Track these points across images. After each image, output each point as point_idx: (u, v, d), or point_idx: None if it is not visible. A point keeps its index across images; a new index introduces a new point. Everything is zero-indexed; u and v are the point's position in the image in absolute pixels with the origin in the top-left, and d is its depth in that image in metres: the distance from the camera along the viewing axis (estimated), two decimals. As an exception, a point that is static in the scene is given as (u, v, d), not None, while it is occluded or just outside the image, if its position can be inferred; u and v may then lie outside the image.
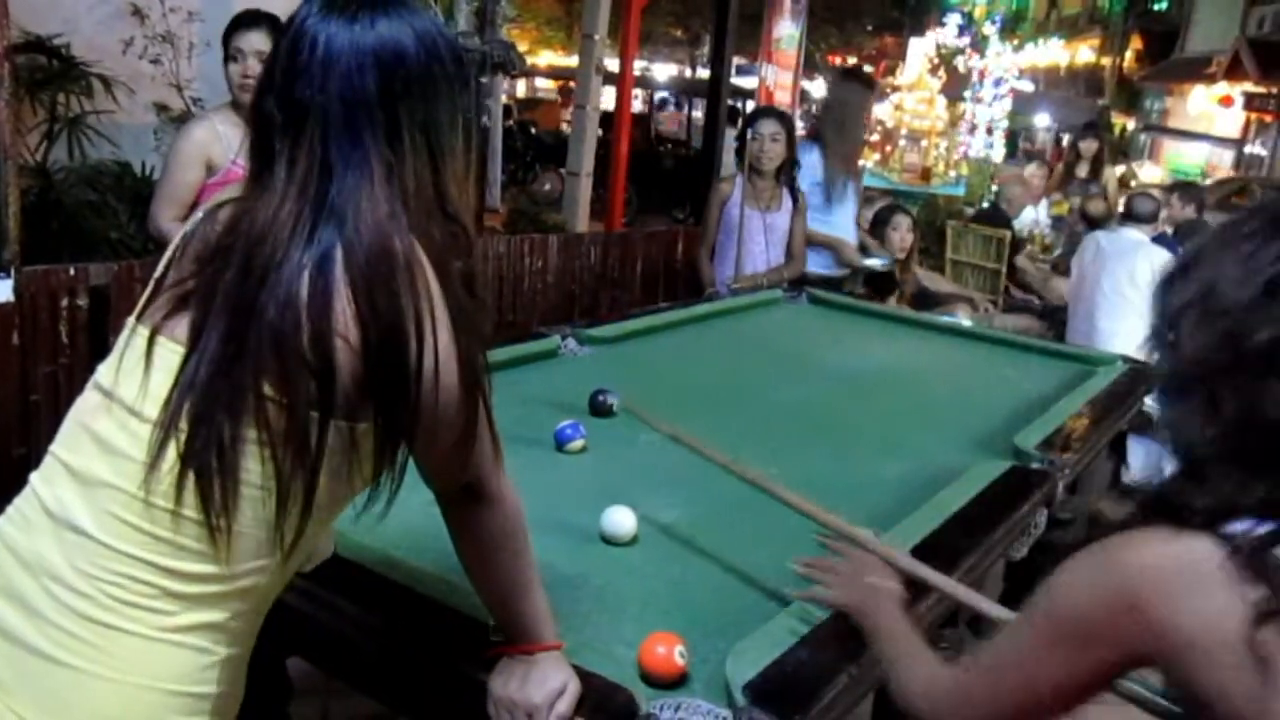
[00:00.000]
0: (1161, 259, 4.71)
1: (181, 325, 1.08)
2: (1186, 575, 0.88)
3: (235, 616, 1.12)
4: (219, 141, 2.99)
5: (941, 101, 8.88)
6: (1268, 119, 14.31)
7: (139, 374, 1.09)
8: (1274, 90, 12.82)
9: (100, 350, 1.17)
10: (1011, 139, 11.15)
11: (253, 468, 1.05)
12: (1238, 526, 0.86)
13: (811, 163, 4.52)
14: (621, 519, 1.81)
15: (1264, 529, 0.85)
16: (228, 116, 3.04)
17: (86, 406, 1.13)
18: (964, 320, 4.75)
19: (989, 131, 9.71)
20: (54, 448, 1.13)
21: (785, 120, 4.45)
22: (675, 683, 1.36)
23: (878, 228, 5.00)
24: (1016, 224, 6.25)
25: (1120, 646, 0.93)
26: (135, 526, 1.06)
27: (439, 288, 1.09)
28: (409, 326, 1.05)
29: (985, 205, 6.72)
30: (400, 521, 1.60)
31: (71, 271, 3.16)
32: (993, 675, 1.07)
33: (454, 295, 1.11)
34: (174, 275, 1.13)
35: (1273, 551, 0.85)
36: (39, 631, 1.05)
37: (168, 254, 1.18)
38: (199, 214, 1.19)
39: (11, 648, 1.05)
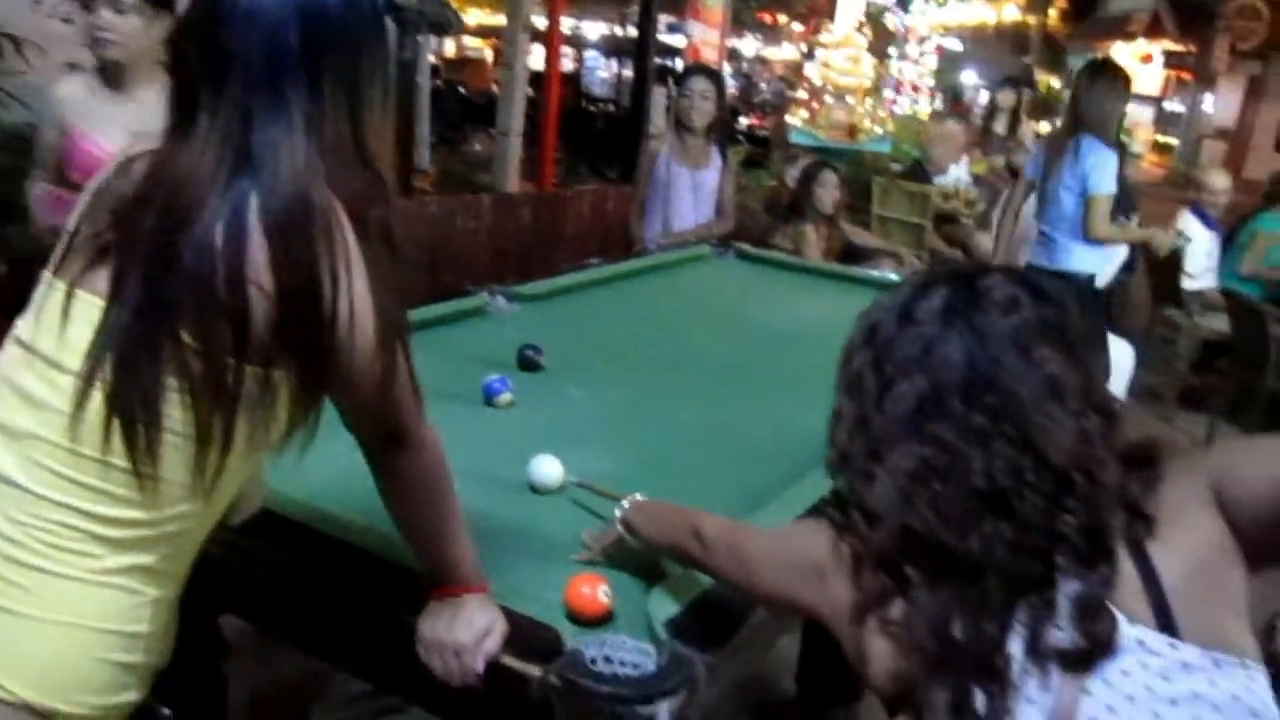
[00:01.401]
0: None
1: (101, 278, 1.09)
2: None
3: (163, 559, 1.14)
4: (71, 103, 2.69)
5: (869, 59, 8.94)
6: (1186, 77, 14.62)
7: (57, 328, 1.10)
8: (1192, 48, 13.09)
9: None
10: (941, 97, 11.26)
11: (175, 414, 1.07)
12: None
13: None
14: (548, 468, 1.85)
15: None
16: (83, 78, 2.73)
17: (7, 361, 1.14)
18: (890, 274, 4.83)
19: (915, 89, 9.82)
20: None
21: (716, 78, 4.47)
22: (600, 621, 1.40)
23: (805, 184, 5.04)
24: (942, 180, 6.34)
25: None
26: (63, 475, 1.07)
27: (355, 237, 1.11)
28: (323, 274, 1.07)
29: (911, 163, 6.80)
30: (326, 473, 1.63)
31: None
32: (743, 556, 1.31)
33: (371, 244, 1.13)
34: (88, 229, 1.13)
35: None
36: None
37: (79, 208, 1.18)
38: (108, 167, 1.19)
39: None
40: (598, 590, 1.41)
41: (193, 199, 1.07)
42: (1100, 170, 4.12)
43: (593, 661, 1.28)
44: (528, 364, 2.44)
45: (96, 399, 1.06)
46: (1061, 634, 0.97)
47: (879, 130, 8.12)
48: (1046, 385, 1.03)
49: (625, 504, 1.56)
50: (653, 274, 3.68)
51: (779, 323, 3.26)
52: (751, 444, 2.19)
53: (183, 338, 1.06)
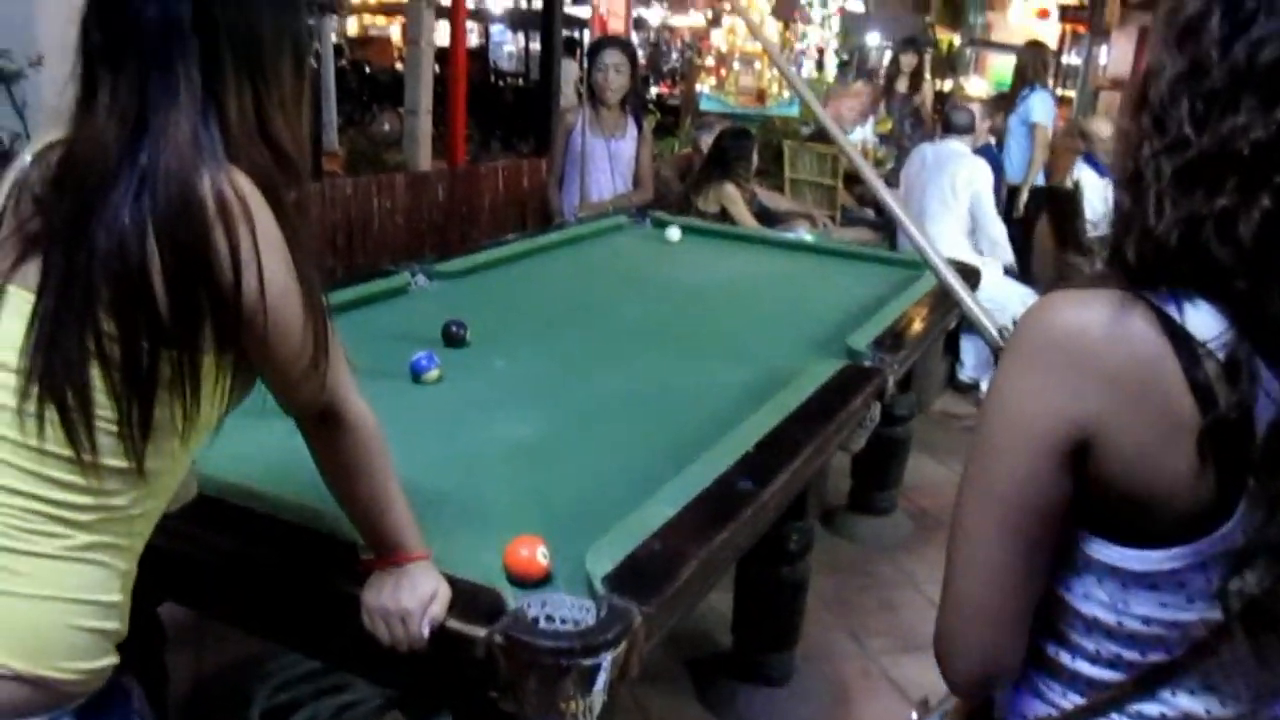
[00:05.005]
0: (978, 168, 4.97)
1: (31, 271, 1.09)
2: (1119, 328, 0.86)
3: (127, 537, 1.17)
4: None
5: (773, 24, 9.01)
6: (1081, 30, 14.97)
7: None
8: (1085, 2, 13.40)
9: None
10: (847, 58, 11.39)
11: (104, 401, 1.08)
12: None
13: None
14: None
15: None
16: None
17: None
18: (804, 235, 4.92)
19: (820, 52, 9.92)
20: None
21: (628, 49, 4.49)
22: (540, 581, 1.44)
23: (731, 147, 5.04)
24: (849, 140, 6.45)
25: (1067, 414, 0.88)
26: (14, 465, 1.08)
27: (268, 214, 1.10)
28: (217, 253, 1.07)
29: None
30: (261, 454, 1.65)
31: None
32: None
33: (286, 221, 1.13)
34: (12, 221, 1.13)
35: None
36: None
37: None
38: (26, 156, 1.18)
39: None
40: (536, 551, 1.45)
41: (100, 180, 1.06)
42: None
43: (535, 620, 1.33)
44: (452, 339, 2.46)
45: (35, 392, 1.07)
46: None
47: (786, 94, 8.20)
48: None
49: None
50: (571, 245, 3.71)
51: (698, 285, 3.33)
52: (674, 402, 2.25)
53: (101, 323, 1.06)
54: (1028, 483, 0.90)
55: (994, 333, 1.80)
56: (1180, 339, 0.84)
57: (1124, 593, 0.91)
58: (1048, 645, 1.00)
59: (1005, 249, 5.00)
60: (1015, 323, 0.95)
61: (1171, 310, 0.85)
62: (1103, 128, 6.03)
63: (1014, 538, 0.93)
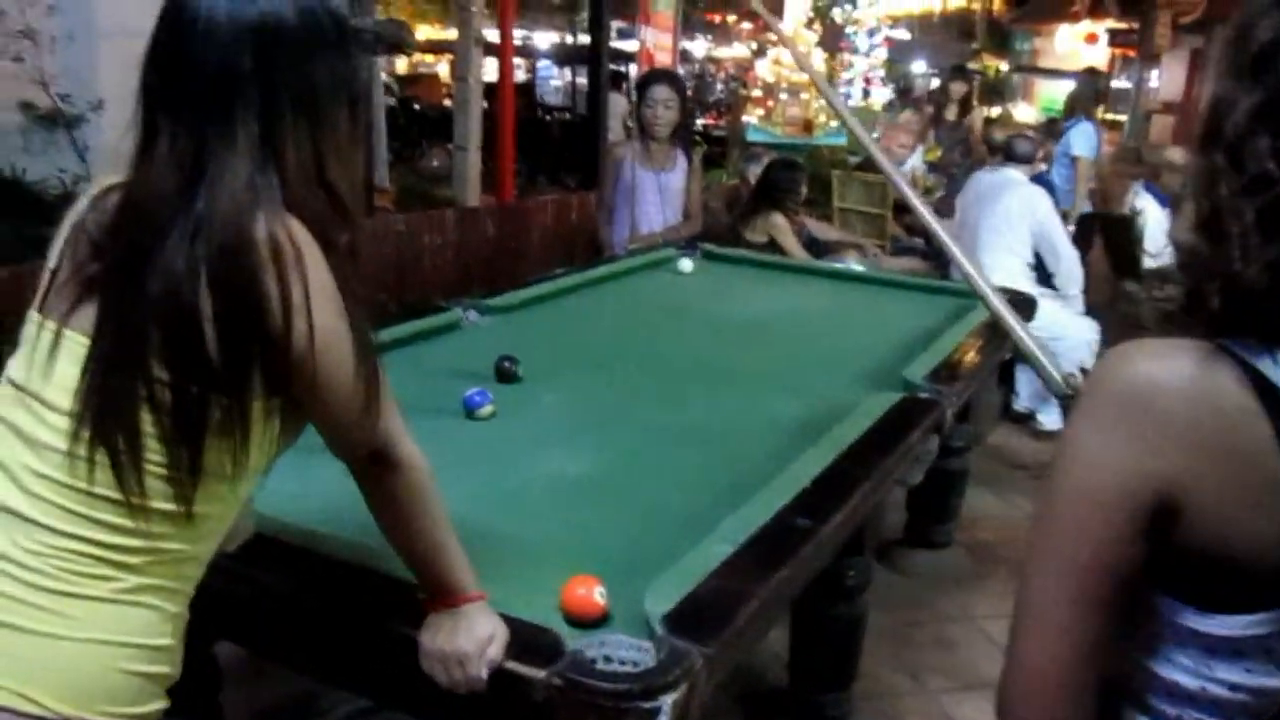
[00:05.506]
0: (1036, 196, 4.91)
1: (87, 315, 1.10)
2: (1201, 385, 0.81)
3: (176, 579, 1.17)
4: None
5: (820, 54, 9.03)
6: (1130, 54, 14.82)
7: (48, 368, 1.11)
8: (1134, 25, 13.27)
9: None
10: (894, 87, 11.37)
11: (154, 445, 1.09)
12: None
13: None
14: None
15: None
16: None
17: (1, 400, 1.15)
18: (854, 265, 4.89)
19: (867, 81, 9.91)
20: None
21: (677, 83, 4.50)
22: (597, 622, 1.42)
23: (780, 178, 5.02)
24: (900, 170, 6.41)
25: (1145, 474, 0.83)
26: (64, 508, 1.09)
27: (321, 260, 1.11)
28: (268, 298, 1.07)
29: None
30: (318, 495, 1.64)
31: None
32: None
33: (340, 267, 1.13)
34: (70, 264, 1.15)
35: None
36: None
37: (57, 244, 1.19)
38: (83, 201, 1.20)
39: None
40: (593, 591, 1.43)
41: (155, 227, 1.07)
42: None
43: (593, 661, 1.31)
44: (505, 375, 2.46)
45: (87, 435, 1.08)
46: None
47: (834, 124, 8.19)
48: None
49: None
50: (622, 278, 3.71)
51: (749, 318, 3.31)
52: (727, 436, 2.23)
53: (154, 369, 1.07)
54: (1100, 545, 0.85)
55: (1047, 365, 1.75)
56: (1270, 394, 0.79)
57: (1207, 658, 0.87)
58: (1127, 710, 0.95)
59: (1078, 278, 4.90)
60: (1082, 370, 0.90)
61: (1262, 364, 0.80)
62: (1175, 155, 5.92)
63: (1083, 602, 0.87)
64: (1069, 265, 4.88)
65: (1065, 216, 5.92)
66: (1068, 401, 1.57)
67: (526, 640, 1.35)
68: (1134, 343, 0.86)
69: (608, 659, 1.31)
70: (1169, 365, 0.83)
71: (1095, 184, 6.04)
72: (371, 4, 6.31)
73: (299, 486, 1.56)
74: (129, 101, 1.15)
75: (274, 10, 1.13)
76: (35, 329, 1.15)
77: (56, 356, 1.11)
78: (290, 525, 1.61)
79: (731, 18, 15.91)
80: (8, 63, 4.79)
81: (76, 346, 1.10)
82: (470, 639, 1.31)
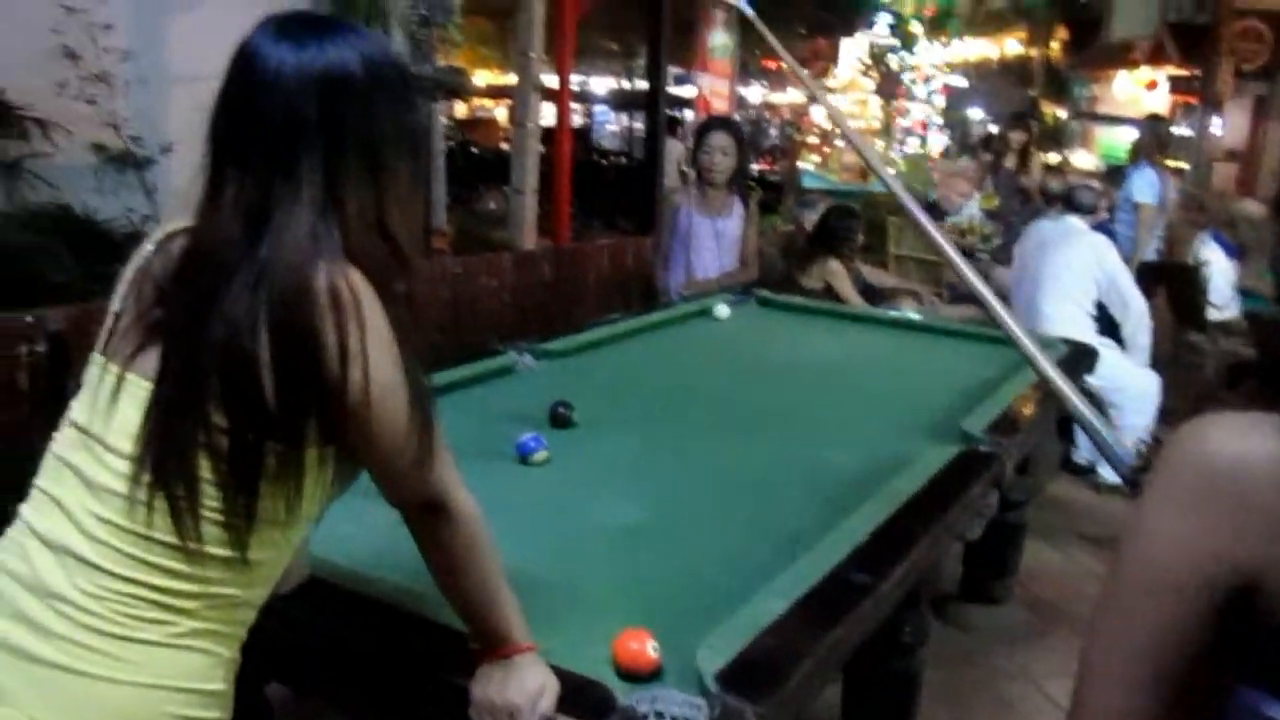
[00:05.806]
0: (1100, 246, 4.83)
1: (150, 359, 1.12)
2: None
3: (231, 624, 1.18)
4: None
5: (876, 101, 9.04)
6: (1191, 100, 14.65)
7: (110, 411, 1.12)
8: (1196, 72, 13.13)
9: (60, 394, 1.21)
10: (950, 134, 11.33)
11: (211, 491, 1.10)
12: None
13: None
14: None
15: None
16: None
17: (64, 442, 1.17)
18: (910, 313, 4.84)
19: (924, 128, 9.90)
20: (38, 481, 1.17)
21: (735, 131, 4.52)
22: (649, 676, 1.40)
23: (837, 225, 5.01)
24: (957, 218, 6.38)
25: (1224, 558, 0.78)
26: (123, 552, 1.10)
27: (379, 310, 1.12)
28: (326, 347, 1.08)
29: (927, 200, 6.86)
30: (371, 540, 1.65)
31: (29, 319, 3.14)
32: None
33: (397, 315, 1.14)
34: (135, 308, 1.16)
35: None
36: (50, 645, 1.09)
37: (121, 287, 1.21)
38: (148, 245, 1.22)
39: (18, 661, 1.09)
40: (646, 645, 1.41)
41: (219, 274, 1.09)
42: None
43: (645, 717, 1.29)
44: (559, 420, 2.46)
45: (147, 480, 1.09)
46: None
47: (890, 171, 8.16)
48: None
49: None
50: (677, 324, 3.71)
51: (805, 365, 3.28)
52: (782, 487, 2.20)
53: (212, 416, 1.08)
54: (1171, 631, 0.80)
55: (1107, 439, 1.68)
56: None
57: None
58: None
59: (1147, 327, 4.80)
60: (1155, 439, 0.86)
61: None
62: (1251, 208, 5.79)
63: (1150, 689, 0.82)
64: (1138, 315, 4.78)
65: (1127, 263, 5.83)
66: (1135, 474, 1.51)
67: (577, 693, 1.33)
68: (1212, 416, 0.82)
69: (659, 714, 1.29)
70: (1251, 441, 0.78)
71: (1162, 231, 5.94)
72: (432, 52, 6.42)
73: (349, 529, 1.56)
74: (197, 144, 1.17)
75: (340, 62, 1.14)
76: (99, 371, 1.16)
77: (119, 400, 1.12)
78: (342, 569, 1.61)
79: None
80: (83, 105, 4.95)
81: (139, 390, 1.12)
82: (521, 692, 1.30)
